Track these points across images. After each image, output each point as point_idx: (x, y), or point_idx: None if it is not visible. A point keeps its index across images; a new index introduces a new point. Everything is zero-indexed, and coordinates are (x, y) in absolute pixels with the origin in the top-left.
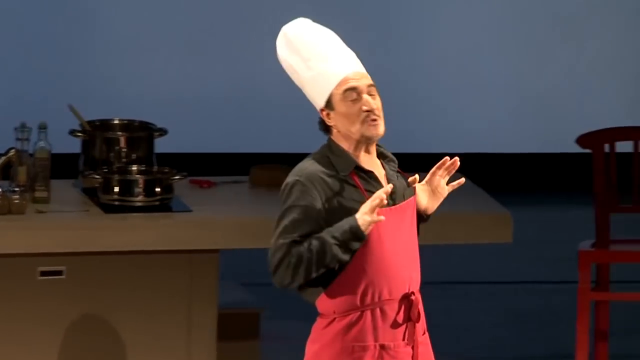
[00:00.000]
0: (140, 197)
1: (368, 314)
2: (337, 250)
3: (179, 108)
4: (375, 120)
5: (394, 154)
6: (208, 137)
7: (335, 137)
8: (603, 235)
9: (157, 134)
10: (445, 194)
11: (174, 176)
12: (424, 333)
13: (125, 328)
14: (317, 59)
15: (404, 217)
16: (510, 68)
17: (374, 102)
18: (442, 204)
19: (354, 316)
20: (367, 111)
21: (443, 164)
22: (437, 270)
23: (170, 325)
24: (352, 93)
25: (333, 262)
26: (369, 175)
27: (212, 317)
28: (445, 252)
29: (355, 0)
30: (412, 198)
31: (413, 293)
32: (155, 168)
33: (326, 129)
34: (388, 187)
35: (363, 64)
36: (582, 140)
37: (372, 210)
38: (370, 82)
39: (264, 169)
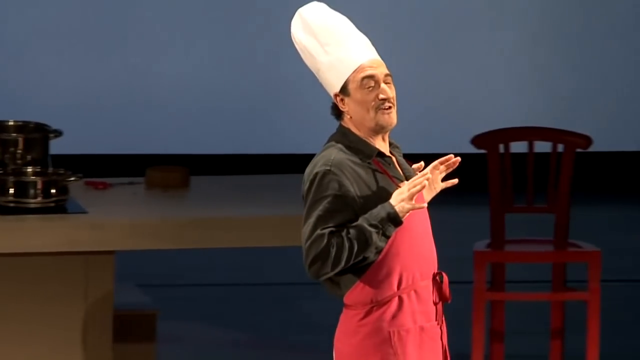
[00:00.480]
0: (35, 199)
1: (405, 297)
2: (376, 238)
3: (73, 110)
4: (389, 108)
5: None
6: (103, 138)
7: (347, 123)
8: (498, 236)
9: (52, 135)
10: (439, 189)
11: (69, 178)
12: None
13: (21, 330)
14: (335, 44)
15: (422, 201)
16: (405, 69)
17: (390, 92)
18: None
19: (393, 301)
20: (383, 99)
21: (447, 160)
22: None
23: (67, 327)
24: (369, 81)
25: (372, 250)
26: (388, 161)
27: (108, 319)
28: None
29: None
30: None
31: (440, 273)
32: (50, 169)
33: (338, 114)
34: (427, 174)
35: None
36: (477, 140)
37: (411, 198)
38: (387, 71)
39: (159, 170)
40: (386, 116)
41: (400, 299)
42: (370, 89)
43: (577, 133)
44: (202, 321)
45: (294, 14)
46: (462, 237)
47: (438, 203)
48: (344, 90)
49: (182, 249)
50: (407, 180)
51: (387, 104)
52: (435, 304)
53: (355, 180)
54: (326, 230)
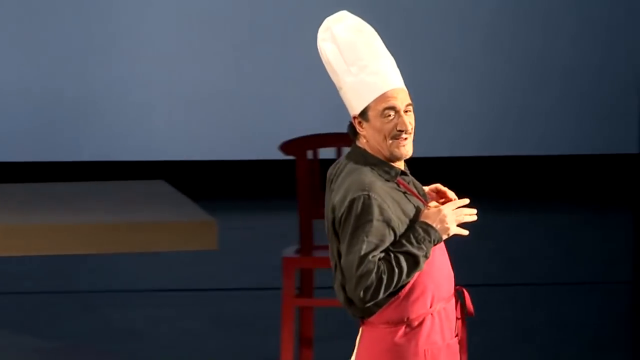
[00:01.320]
0: None
1: (436, 315)
2: (423, 261)
3: None
4: (406, 139)
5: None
6: None
7: (363, 144)
8: (307, 242)
9: None
10: None
11: None
12: None
13: None
14: (360, 66)
15: None
16: (210, 75)
17: (409, 123)
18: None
19: (427, 320)
20: (400, 131)
21: (445, 196)
22: (143, 278)
23: None
24: (390, 111)
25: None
26: (408, 180)
27: None
28: (151, 261)
29: None
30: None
31: (461, 288)
32: None
33: (354, 133)
34: (467, 200)
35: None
36: (285, 147)
37: (459, 223)
38: (409, 100)
39: None
40: (402, 148)
41: (432, 317)
42: (390, 118)
43: None
44: (7, 329)
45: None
46: (272, 243)
47: (249, 209)
48: (364, 114)
49: None
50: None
51: (404, 135)
52: (458, 319)
53: (391, 202)
54: (376, 258)
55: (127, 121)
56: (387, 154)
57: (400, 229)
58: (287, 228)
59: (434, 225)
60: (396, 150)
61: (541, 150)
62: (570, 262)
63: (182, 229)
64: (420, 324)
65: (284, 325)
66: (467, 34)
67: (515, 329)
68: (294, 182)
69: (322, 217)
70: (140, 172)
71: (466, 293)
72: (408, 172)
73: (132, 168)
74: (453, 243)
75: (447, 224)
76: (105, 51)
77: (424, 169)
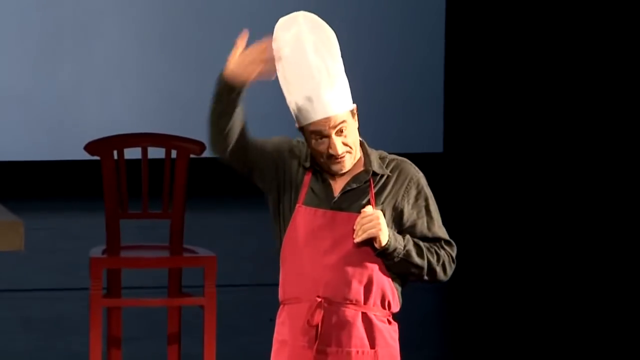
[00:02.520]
0: None
1: (287, 309)
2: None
3: None
4: (341, 159)
5: None
6: None
7: None
8: (114, 242)
9: None
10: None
11: None
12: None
13: None
14: (296, 85)
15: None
16: (19, 76)
17: (340, 143)
18: None
19: (281, 308)
20: (331, 155)
21: None
22: None
23: None
24: (317, 135)
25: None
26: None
27: None
28: None
29: None
30: (349, 214)
31: (322, 300)
32: None
33: None
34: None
35: None
36: (90, 147)
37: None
38: (337, 121)
39: None
40: (337, 165)
41: (283, 308)
42: (321, 141)
43: (190, 139)
44: None
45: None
46: (79, 244)
47: (55, 209)
48: (303, 131)
49: None
50: None
51: (336, 159)
52: (311, 326)
53: None
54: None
55: None
56: (326, 168)
57: None
58: (95, 228)
59: None
60: (332, 168)
61: None
62: None
63: None
64: (282, 310)
65: (92, 326)
66: None
67: None
68: (100, 182)
69: (130, 217)
70: None
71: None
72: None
73: None
74: None
75: None
76: None
77: None
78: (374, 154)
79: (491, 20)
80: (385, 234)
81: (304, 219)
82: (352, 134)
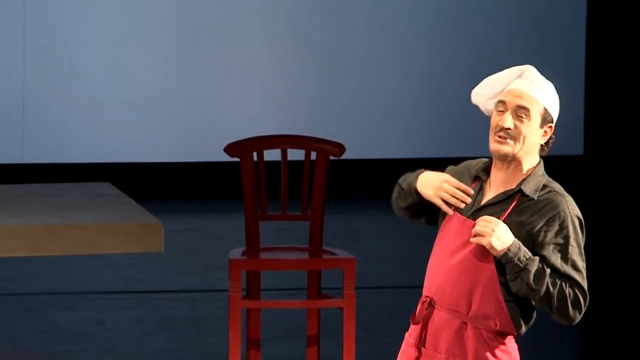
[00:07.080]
0: None
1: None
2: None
3: None
4: (503, 138)
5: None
6: None
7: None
8: (253, 243)
9: None
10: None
11: None
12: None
13: None
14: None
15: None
16: (157, 78)
17: (513, 123)
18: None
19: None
20: (501, 128)
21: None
22: (87, 280)
23: None
24: (500, 106)
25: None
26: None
27: None
28: (96, 263)
29: None
30: (473, 222)
31: (430, 298)
32: None
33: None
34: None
35: None
36: (229, 148)
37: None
38: (522, 104)
39: None
40: (496, 143)
41: (421, 305)
42: (500, 113)
43: (329, 141)
44: None
45: None
46: (218, 245)
47: (194, 211)
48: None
49: None
50: None
51: (501, 133)
52: (416, 324)
53: None
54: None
55: (72, 123)
56: (491, 148)
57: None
58: (234, 229)
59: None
60: (492, 144)
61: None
62: None
63: (127, 231)
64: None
65: (232, 327)
66: None
67: None
68: (239, 184)
69: (269, 219)
70: (85, 174)
71: (424, 305)
72: (524, 198)
73: (76, 170)
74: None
75: None
76: (50, 51)
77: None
78: (537, 179)
79: (633, 18)
80: (500, 244)
81: (448, 222)
82: (529, 132)
